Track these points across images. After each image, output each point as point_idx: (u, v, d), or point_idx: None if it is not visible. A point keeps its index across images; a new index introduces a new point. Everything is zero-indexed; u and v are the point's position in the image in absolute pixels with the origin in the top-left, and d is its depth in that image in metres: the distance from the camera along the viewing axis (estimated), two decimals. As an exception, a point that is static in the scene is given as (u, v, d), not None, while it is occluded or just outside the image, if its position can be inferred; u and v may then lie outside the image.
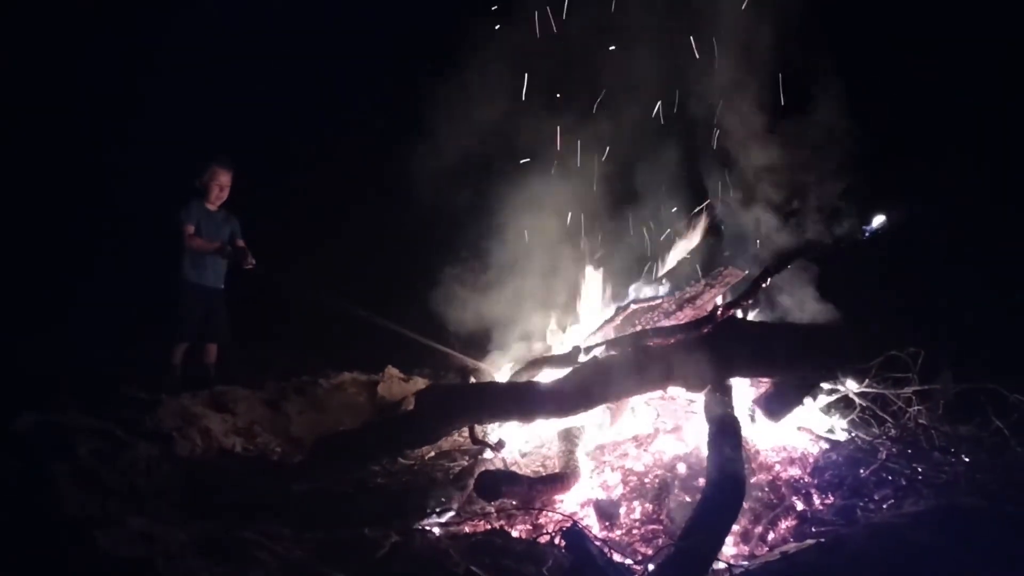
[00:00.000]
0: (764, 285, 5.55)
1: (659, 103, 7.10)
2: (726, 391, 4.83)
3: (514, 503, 4.52)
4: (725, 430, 4.38)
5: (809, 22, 6.31)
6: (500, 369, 6.87)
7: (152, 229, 7.63)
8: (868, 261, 6.57)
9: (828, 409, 5.41)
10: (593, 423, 5.32)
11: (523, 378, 5.80)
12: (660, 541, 4.12)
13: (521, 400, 4.95)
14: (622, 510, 4.52)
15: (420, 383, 7.15)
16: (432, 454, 5.69)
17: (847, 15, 7.15)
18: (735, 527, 4.08)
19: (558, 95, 7.47)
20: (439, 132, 7.78)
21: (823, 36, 6.31)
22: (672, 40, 6.86)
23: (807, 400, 5.19)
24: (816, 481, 4.69)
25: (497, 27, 7.34)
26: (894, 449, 4.87)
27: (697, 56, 6.80)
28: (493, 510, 4.49)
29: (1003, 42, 8.02)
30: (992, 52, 8.07)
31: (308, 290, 7.58)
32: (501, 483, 4.45)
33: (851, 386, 5.26)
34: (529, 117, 7.45)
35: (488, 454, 5.20)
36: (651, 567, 3.69)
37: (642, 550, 4.07)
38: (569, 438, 5.12)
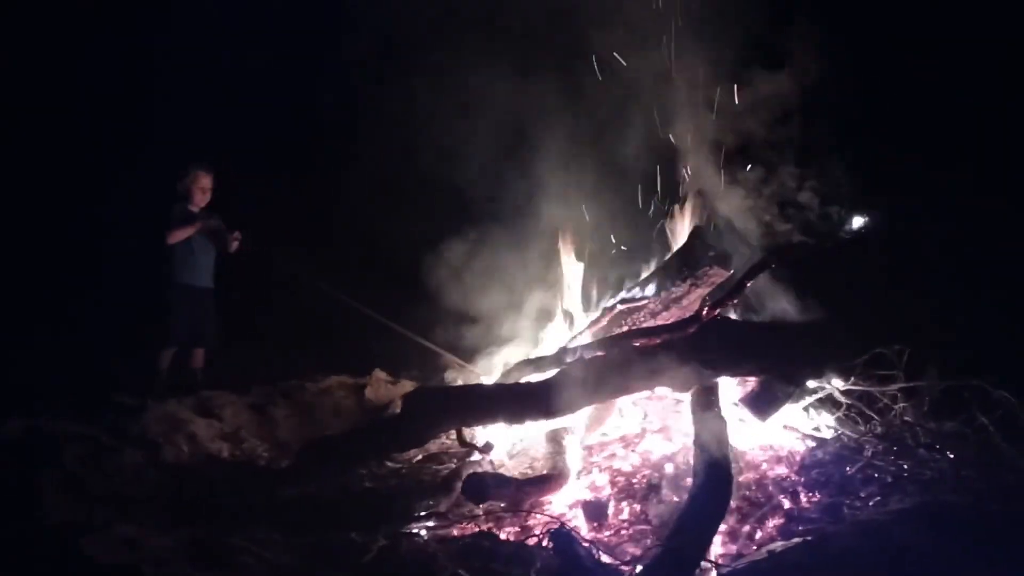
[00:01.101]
0: (749, 284, 5.56)
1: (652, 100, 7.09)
2: (713, 390, 4.84)
3: (502, 505, 4.52)
4: (712, 429, 4.40)
5: (804, 19, 6.33)
6: (487, 371, 6.87)
7: (146, 231, 7.58)
8: (854, 260, 6.60)
9: (814, 407, 5.42)
10: (580, 424, 5.32)
11: (510, 380, 5.80)
12: (648, 541, 4.13)
13: (508, 402, 4.95)
14: (610, 511, 4.52)
15: (407, 386, 7.15)
16: (420, 457, 5.69)
17: (842, 13, 7.17)
18: (723, 526, 4.09)
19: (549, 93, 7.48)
20: (432, 132, 7.79)
21: (819, 34, 6.31)
22: (663, 35, 6.85)
23: (793, 398, 5.21)
24: (803, 479, 4.71)
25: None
26: (880, 447, 4.89)
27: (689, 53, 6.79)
28: (481, 512, 4.48)
29: (1003, 42, 8.06)
30: (992, 52, 8.11)
31: (298, 269, 7.58)
32: (489, 485, 4.45)
33: (837, 384, 5.28)
34: (521, 115, 7.46)
35: (476, 456, 5.20)
36: (639, 567, 3.69)
37: (630, 550, 4.07)
38: (556, 440, 5.12)
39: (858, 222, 5.74)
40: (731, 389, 5.32)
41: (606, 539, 4.27)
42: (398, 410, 5.79)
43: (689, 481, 4.33)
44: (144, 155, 10.01)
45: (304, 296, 7.70)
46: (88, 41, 10.77)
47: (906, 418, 5.07)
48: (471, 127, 7.54)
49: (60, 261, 10.25)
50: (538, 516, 4.44)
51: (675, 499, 4.44)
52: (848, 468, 4.70)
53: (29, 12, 10.56)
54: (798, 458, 4.96)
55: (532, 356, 6.16)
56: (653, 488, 4.62)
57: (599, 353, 5.45)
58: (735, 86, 6.44)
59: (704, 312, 5.43)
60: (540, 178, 7.33)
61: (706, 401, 4.71)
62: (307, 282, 7.56)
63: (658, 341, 5.32)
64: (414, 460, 5.64)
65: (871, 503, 4.37)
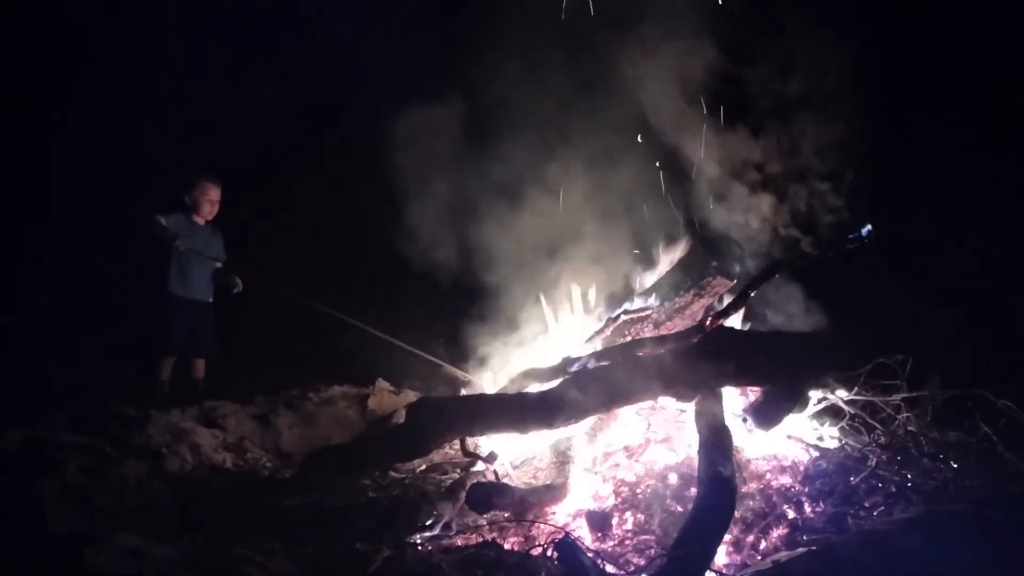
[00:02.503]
0: (752, 294, 5.57)
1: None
2: (716, 400, 4.84)
3: (506, 515, 4.51)
4: (716, 440, 4.39)
5: (804, 22, 6.33)
6: (490, 381, 6.86)
7: (144, 239, 7.60)
8: (856, 268, 6.60)
9: (818, 417, 5.42)
10: (584, 434, 5.32)
11: (514, 390, 5.79)
12: (652, 551, 4.12)
13: (512, 412, 4.94)
14: (614, 521, 4.52)
15: (411, 396, 7.15)
16: (423, 467, 5.68)
17: (844, 16, 7.17)
18: (727, 536, 4.08)
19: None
20: (432, 139, 7.76)
21: (818, 38, 6.32)
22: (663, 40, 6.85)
23: (797, 409, 5.20)
24: (807, 489, 4.70)
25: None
26: (884, 456, 4.88)
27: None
28: (485, 522, 4.48)
29: (1005, 41, 8.06)
30: (994, 52, 8.10)
31: (300, 299, 7.59)
32: (493, 495, 4.44)
33: (840, 394, 5.27)
34: (520, 124, 7.47)
35: (479, 466, 5.19)
36: (644, 577, 3.69)
37: (634, 560, 4.07)
38: (560, 450, 5.12)
39: (860, 231, 5.73)
40: (735, 399, 5.32)
41: (610, 549, 4.27)
42: (401, 420, 5.79)
43: (693, 491, 4.33)
44: (146, 158, 10.01)
45: (305, 308, 7.70)
46: (87, 41, 10.77)
47: (909, 428, 5.07)
48: (470, 131, 7.56)
49: (61, 267, 10.25)
50: (542, 526, 4.44)
51: (679, 509, 4.44)
52: (852, 478, 4.69)
53: (28, 11, 10.55)
54: (802, 468, 4.96)
55: (536, 366, 6.16)
56: (657, 498, 4.61)
57: (603, 363, 5.45)
58: (736, 93, 6.45)
59: (707, 322, 5.44)
60: (546, 186, 7.35)
61: (710, 411, 4.70)
62: (308, 306, 7.57)
63: (662, 351, 5.32)
64: (418, 470, 5.63)
65: (875, 513, 4.37)
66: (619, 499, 4.74)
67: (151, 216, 7.03)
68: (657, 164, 7.04)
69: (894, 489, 4.56)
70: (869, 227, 5.59)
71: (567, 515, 4.66)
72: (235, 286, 7.35)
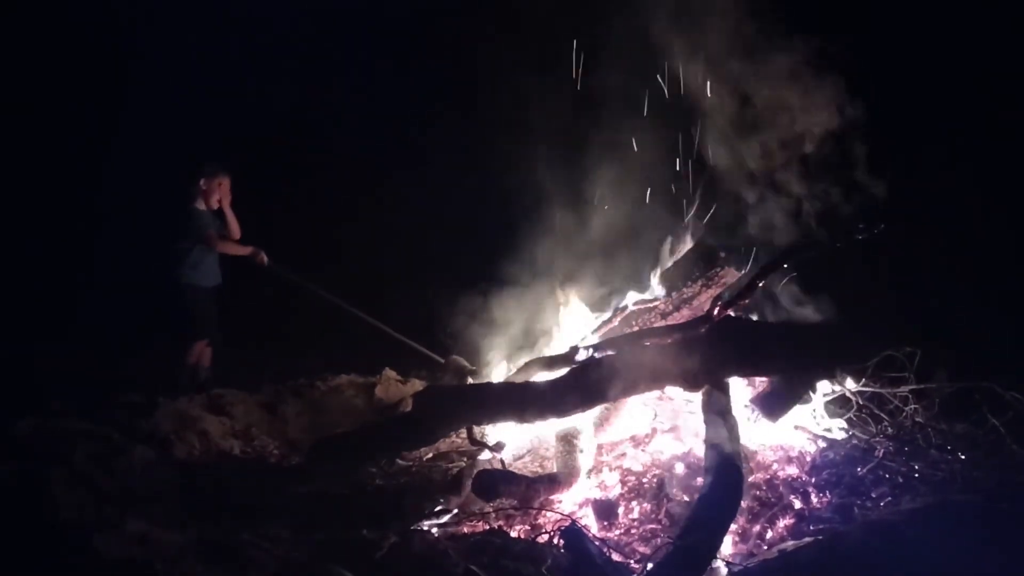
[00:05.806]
0: (760, 284, 5.55)
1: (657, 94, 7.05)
2: (723, 391, 4.83)
3: (512, 503, 4.52)
4: (722, 430, 4.39)
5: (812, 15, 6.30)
6: (497, 370, 6.87)
7: (149, 229, 7.60)
8: (865, 260, 6.58)
9: (825, 408, 5.41)
10: (591, 423, 5.32)
11: (520, 379, 5.79)
12: (659, 540, 4.13)
13: (519, 401, 4.94)
14: (620, 510, 4.52)
15: (417, 385, 7.15)
16: (430, 455, 5.69)
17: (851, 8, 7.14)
18: (733, 526, 4.09)
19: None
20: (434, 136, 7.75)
21: (827, 28, 6.28)
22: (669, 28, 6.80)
23: (804, 399, 5.20)
24: (814, 480, 4.70)
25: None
26: (891, 447, 4.88)
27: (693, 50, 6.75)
28: (491, 510, 4.49)
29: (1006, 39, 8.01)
30: (997, 49, 8.05)
31: (316, 288, 7.62)
32: (499, 483, 4.46)
33: (848, 385, 5.26)
34: (523, 116, 7.45)
35: (486, 455, 5.20)
36: (650, 566, 3.69)
37: (641, 549, 4.08)
38: (567, 439, 5.12)
39: (869, 222, 5.70)
40: (742, 389, 5.31)
41: (616, 537, 4.27)
42: (408, 409, 5.80)
43: (700, 480, 4.33)
44: (151, 151, 10.02)
45: (313, 297, 7.71)
46: (83, 39, 10.78)
47: (917, 419, 5.05)
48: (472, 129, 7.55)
49: (68, 259, 10.28)
50: (548, 514, 4.45)
51: (686, 498, 4.44)
52: (859, 469, 4.69)
53: (25, 8, 10.57)
54: (809, 459, 4.95)
55: (543, 355, 6.16)
56: (663, 487, 4.62)
57: (610, 353, 5.44)
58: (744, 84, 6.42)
59: (715, 312, 5.43)
60: (550, 177, 7.34)
61: (717, 401, 4.69)
62: (320, 296, 7.60)
63: (669, 341, 5.31)
64: (425, 458, 5.65)
65: (882, 503, 4.37)
66: (625, 488, 4.75)
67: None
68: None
69: (901, 480, 4.57)
70: (878, 218, 5.57)
71: (574, 503, 4.67)
72: (263, 261, 7.42)
